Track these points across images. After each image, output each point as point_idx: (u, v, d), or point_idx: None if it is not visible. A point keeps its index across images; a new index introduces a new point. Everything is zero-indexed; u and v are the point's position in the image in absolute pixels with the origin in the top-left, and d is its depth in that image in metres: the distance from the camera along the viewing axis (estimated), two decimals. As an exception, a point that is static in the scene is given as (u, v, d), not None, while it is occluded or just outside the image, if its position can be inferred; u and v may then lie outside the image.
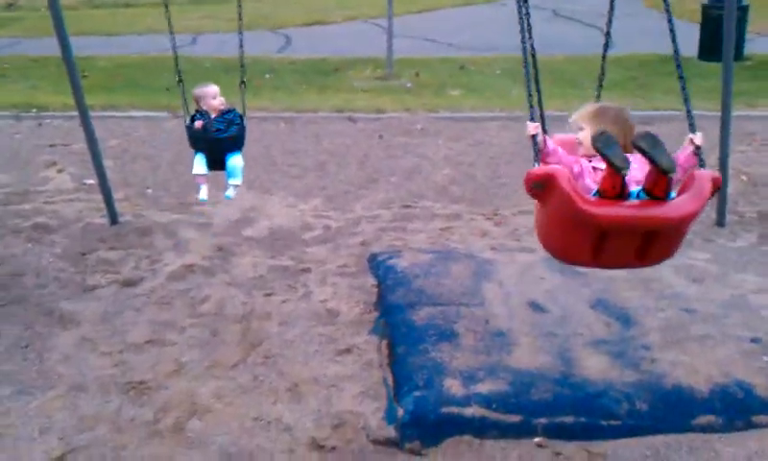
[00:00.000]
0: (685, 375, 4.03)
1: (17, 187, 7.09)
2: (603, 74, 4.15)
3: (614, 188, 3.00)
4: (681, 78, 3.52)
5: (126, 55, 13.95)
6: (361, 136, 8.98)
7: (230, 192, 5.23)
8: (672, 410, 3.81)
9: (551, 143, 3.38)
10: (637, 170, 3.17)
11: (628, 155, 3.08)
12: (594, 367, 4.10)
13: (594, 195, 3.12)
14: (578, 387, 3.92)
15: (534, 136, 3.26)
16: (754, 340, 4.37)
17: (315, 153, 8.33)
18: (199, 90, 5.13)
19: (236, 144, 5.16)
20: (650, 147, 2.88)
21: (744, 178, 7.44)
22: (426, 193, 7.07)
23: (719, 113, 6.11)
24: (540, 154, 3.26)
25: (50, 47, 5.79)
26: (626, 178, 3.02)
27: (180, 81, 5.09)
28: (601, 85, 4.22)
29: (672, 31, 3.61)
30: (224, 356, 4.36)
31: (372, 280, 5.29)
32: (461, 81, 11.72)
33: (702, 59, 12.76)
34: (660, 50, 13.67)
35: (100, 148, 6.38)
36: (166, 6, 5.10)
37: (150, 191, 7.08)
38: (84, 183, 7.13)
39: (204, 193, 5.24)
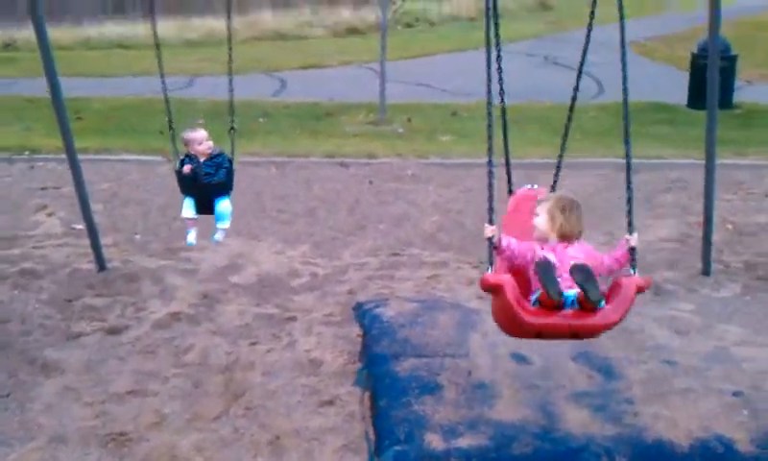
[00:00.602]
0: (666, 429, 4.04)
1: (6, 232, 7.11)
2: (569, 121, 4.41)
3: (550, 304, 3.40)
4: (628, 170, 3.85)
5: (121, 96, 14.03)
6: (352, 182, 9.04)
7: (218, 236, 5.36)
8: (652, 466, 3.81)
9: (505, 241, 3.65)
10: (580, 253, 3.67)
11: (575, 243, 3.70)
12: (576, 420, 4.10)
13: (535, 303, 3.51)
14: (559, 441, 3.92)
15: (490, 238, 3.56)
16: (735, 394, 4.39)
17: (305, 198, 8.38)
18: (186, 135, 5.25)
19: (225, 188, 5.28)
20: (582, 281, 3.32)
21: (730, 226, 7.49)
22: (414, 240, 7.11)
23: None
24: (494, 253, 3.59)
25: (46, 88, 5.83)
26: (563, 264, 3.53)
27: (171, 128, 5.21)
28: (566, 135, 4.46)
29: (625, 91, 4.08)
30: (206, 408, 4.35)
31: (357, 330, 5.30)
32: (453, 127, 11.82)
33: (691, 106, 12.90)
34: (648, 97, 13.85)
35: (90, 192, 6.44)
36: (157, 45, 5.19)
37: (138, 237, 7.10)
38: (74, 228, 7.15)
39: (192, 237, 5.35)
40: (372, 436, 4.06)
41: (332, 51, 20.03)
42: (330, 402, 4.41)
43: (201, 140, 5.18)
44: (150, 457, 3.90)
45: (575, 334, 3.51)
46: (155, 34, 5.23)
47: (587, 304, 3.37)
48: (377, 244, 7.01)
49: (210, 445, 4.02)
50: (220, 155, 5.24)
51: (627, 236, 3.72)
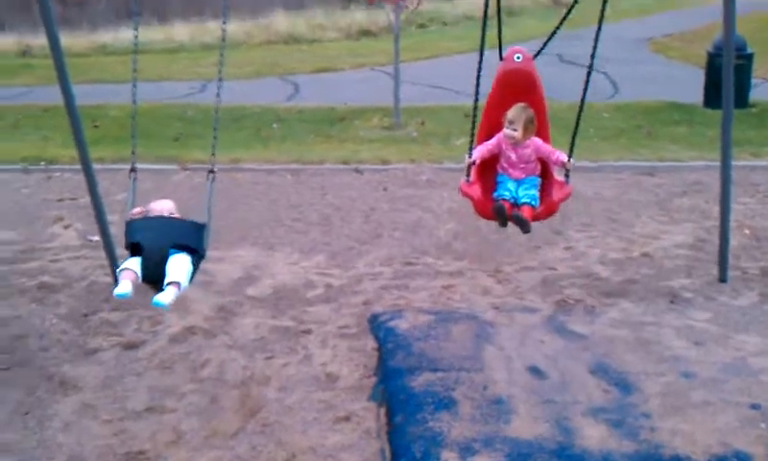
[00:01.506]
0: (684, 444, 4.01)
1: (24, 245, 7.17)
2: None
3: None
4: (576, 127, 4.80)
5: (139, 103, 14.05)
6: (366, 189, 9.04)
7: (166, 297, 4.04)
8: (670, 483, 3.79)
9: (479, 158, 4.90)
10: (531, 152, 4.86)
11: (527, 141, 4.83)
12: (592, 437, 4.08)
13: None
14: (575, 459, 3.90)
15: (469, 164, 4.85)
16: (753, 406, 4.36)
17: (320, 206, 8.39)
18: (147, 206, 4.62)
19: (190, 237, 4.29)
20: (519, 224, 4.69)
21: (747, 231, 7.43)
22: (429, 249, 7.10)
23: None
24: (470, 170, 4.85)
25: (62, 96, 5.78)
26: (520, 158, 4.87)
27: (134, 170, 4.66)
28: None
29: (586, 83, 4.72)
30: (223, 425, 4.37)
31: (372, 342, 5.30)
32: (467, 129, 11.74)
33: (708, 106, 12.79)
34: (666, 96, 13.76)
35: (106, 203, 6.46)
36: (135, 51, 4.66)
37: (155, 248, 7.13)
38: (90, 240, 7.20)
39: (125, 287, 4.08)
40: (387, 454, 4.06)
41: (345, 54, 20.05)
42: (346, 418, 4.41)
43: (160, 212, 4.46)
44: (167, 476, 3.93)
45: None
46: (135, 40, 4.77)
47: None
48: (392, 253, 7.01)
49: (227, 463, 4.04)
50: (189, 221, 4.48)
51: (566, 159, 4.76)
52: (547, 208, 4.84)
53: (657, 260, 6.77)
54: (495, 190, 4.90)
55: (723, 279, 6.30)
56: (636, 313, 5.68)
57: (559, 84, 14.75)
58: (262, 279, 6.42)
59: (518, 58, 5.04)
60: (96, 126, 12.07)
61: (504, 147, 4.90)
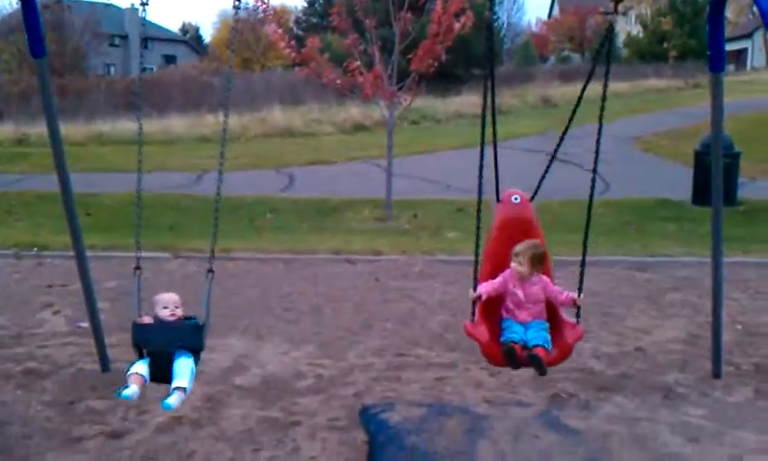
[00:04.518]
0: None
1: (11, 330, 7.09)
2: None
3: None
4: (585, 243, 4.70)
5: (131, 192, 14.10)
6: (358, 279, 9.04)
7: (173, 400, 4.14)
8: None
9: (484, 295, 4.56)
10: (539, 291, 4.62)
11: (534, 277, 4.61)
12: (588, 536, 3.98)
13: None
14: None
15: (473, 300, 4.56)
16: (752, 506, 4.27)
17: (311, 296, 8.36)
18: (154, 297, 4.55)
19: (191, 340, 4.35)
20: (533, 363, 4.42)
21: (739, 327, 7.42)
22: (421, 340, 7.04)
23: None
24: (476, 307, 4.57)
25: (56, 184, 5.81)
26: (527, 298, 4.60)
27: (138, 268, 4.66)
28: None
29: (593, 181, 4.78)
30: (207, 519, 4.24)
31: (362, 435, 5.19)
32: (459, 223, 11.89)
33: (696, 204, 12.98)
34: (653, 194, 13.96)
35: (97, 290, 6.41)
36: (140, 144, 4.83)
37: (144, 336, 7.05)
38: (79, 327, 7.13)
39: (131, 391, 4.11)
40: None
41: (340, 147, 20.37)
42: (335, 515, 4.29)
43: (165, 303, 4.43)
44: None
45: None
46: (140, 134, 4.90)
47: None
48: (384, 344, 6.95)
49: None
50: (191, 317, 4.48)
51: (575, 296, 4.61)
52: (561, 352, 4.54)
53: (650, 355, 6.73)
54: (502, 335, 4.54)
55: (717, 374, 6.25)
56: (630, 408, 5.61)
57: (553, 182, 14.97)
58: (251, 369, 6.33)
59: (516, 199, 4.95)
60: (89, 214, 12.13)
61: (511, 285, 4.61)
